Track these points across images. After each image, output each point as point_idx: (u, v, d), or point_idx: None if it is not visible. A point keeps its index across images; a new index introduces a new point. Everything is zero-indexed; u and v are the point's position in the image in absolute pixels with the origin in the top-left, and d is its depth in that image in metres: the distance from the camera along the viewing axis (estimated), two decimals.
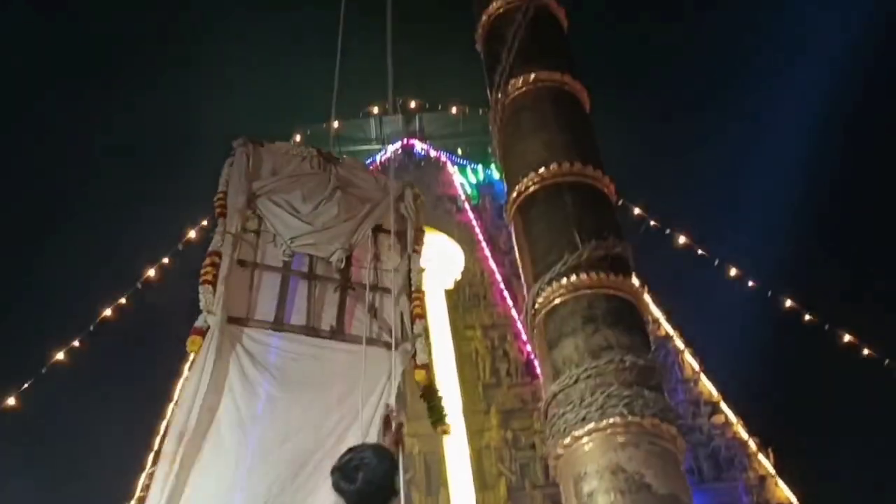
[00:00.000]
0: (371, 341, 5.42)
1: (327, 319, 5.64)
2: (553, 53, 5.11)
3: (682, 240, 18.22)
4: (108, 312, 15.09)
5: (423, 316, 5.58)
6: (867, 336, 15.47)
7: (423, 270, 5.83)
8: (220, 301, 5.13)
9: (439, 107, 26.82)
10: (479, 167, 24.75)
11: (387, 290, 5.78)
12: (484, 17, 5.37)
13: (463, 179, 24.25)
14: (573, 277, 4.25)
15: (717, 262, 17.84)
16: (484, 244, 21.15)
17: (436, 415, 5.41)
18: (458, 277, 20.07)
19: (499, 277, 20.10)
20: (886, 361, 14.98)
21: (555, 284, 4.30)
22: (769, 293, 17.16)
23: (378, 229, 6.03)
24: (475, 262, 20.68)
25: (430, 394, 5.45)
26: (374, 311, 5.66)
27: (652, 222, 18.69)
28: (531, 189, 4.64)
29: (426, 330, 5.57)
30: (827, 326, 15.89)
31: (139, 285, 15.64)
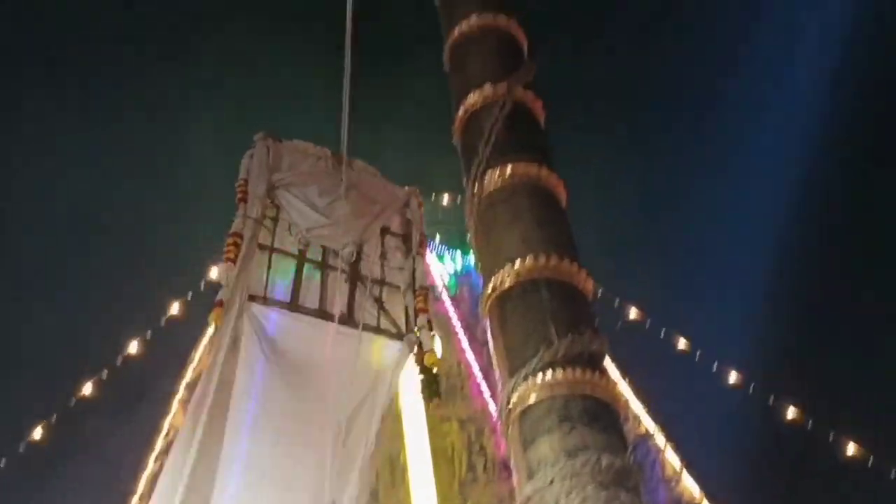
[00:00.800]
0: (379, 330, 5.97)
1: (338, 306, 6.03)
2: (529, 147, 5.13)
3: (663, 333, 18.12)
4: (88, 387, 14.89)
5: (426, 311, 6.11)
6: (856, 434, 15.23)
7: (428, 277, 6.83)
8: (241, 278, 5.53)
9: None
10: (458, 253, 24.81)
11: (392, 286, 6.27)
12: (461, 111, 5.40)
13: (441, 268, 24.26)
14: (549, 374, 4.16)
15: (698, 356, 17.69)
16: (461, 335, 20.98)
17: (430, 390, 5.85)
18: (436, 369, 19.80)
19: (476, 369, 19.86)
20: (871, 460, 14.74)
21: (530, 380, 4.21)
22: (752, 387, 16.98)
23: (385, 230, 6.48)
24: (452, 353, 20.44)
25: (427, 372, 5.90)
26: (381, 304, 6.14)
27: (633, 316, 18.60)
28: (507, 284, 4.58)
29: (429, 322, 6.14)
30: (811, 423, 15.67)
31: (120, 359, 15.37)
